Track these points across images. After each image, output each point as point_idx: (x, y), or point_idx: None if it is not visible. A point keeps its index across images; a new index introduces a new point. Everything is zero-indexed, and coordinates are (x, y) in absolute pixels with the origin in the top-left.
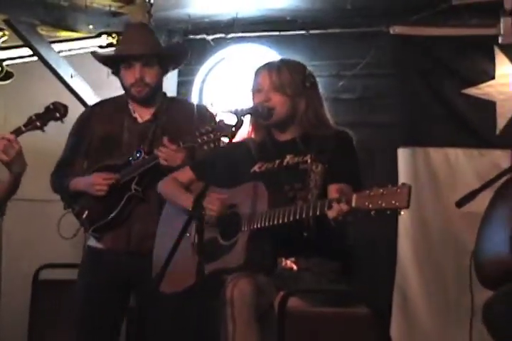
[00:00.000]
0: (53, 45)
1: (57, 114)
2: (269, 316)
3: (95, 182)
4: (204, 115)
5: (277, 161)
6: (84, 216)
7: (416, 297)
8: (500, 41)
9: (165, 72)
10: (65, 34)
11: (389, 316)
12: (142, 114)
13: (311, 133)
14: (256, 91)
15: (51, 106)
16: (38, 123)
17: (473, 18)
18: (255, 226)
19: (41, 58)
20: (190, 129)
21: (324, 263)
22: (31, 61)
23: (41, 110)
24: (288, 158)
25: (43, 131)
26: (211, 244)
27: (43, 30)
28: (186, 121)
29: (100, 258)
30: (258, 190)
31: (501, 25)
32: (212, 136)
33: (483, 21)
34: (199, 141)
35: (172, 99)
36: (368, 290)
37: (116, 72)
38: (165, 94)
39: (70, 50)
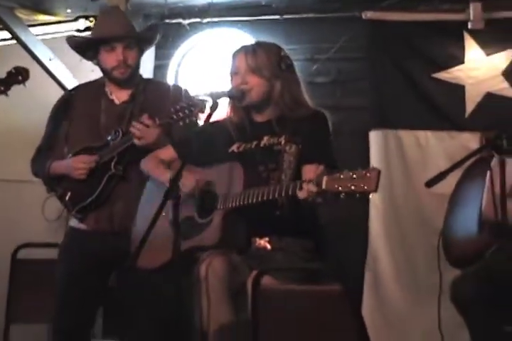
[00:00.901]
0: (31, 29)
1: (20, 77)
2: (242, 294)
3: (75, 166)
4: (179, 94)
5: (255, 142)
6: (67, 198)
7: (386, 275)
8: (469, 26)
9: (142, 53)
10: (42, 18)
11: (360, 294)
12: (119, 96)
13: (287, 114)
14: (233, 74)
15: (13, 71)
16: (2, 88)
17: (443, 3)
18: (230, 205)
19: (20, 41)
20: (167, 107)
21: (297, 243)
22: (10, 44)
23: (17, 90)
24: (265, 139)
25: (7, 95)
26: (188, 221)
27: (21, 14)
28: (163, 100)
29: (84, 239)
30: (234, 170)
31: (470, 10)
32: (187, 112)
33: (453, 7)
34: (174, 117)
35: (148, 80)
36: (340, 268)
37: (90, 57)
38: (141, 75)
39: (48, 34)
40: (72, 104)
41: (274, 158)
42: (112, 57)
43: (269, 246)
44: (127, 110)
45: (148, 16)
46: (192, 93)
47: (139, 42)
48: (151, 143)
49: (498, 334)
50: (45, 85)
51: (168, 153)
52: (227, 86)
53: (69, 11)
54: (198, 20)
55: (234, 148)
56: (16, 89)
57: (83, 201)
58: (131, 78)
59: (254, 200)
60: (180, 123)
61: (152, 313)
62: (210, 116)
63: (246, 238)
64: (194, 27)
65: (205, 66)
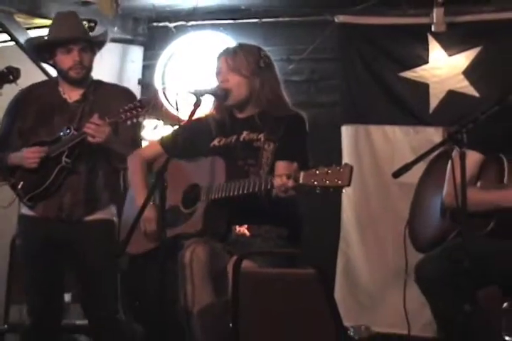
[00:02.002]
0: (29, 31)
1: (11, 77)
2: (223, 278)
3: (27, 156)
4: (129, 95)
5: (234, 136)
6: (19, 187)
7: (358, 260)
8: (433, 29)
9: (94, 55)
10: (39, 21)
11: (333, 276)
12: (71, 95)
13: (268, 111)
14: (217, 74)
15: (5, 70)
16: None
17: (409, 8)
18: (213, 197)
19: (18, 43)
20: (116, 107)
21: (273, 230)
22: (9, 46)
23: (13, 89)
24: (244, 134)
25: (0, 94)
26: (173, 211)
27: (19, 18)
28: (112, 100)
29: (33, 225)
30: (216, 163)
31: (434, 14)
32: (134, 112)
33: (418, 11)
34: (123, 116)
35: (99, 81)
36: (314, 253)
37: (45, 58)
38: (92, 77)
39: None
40: (27, 101)
41: (254, 154)
42: (68, 59)
43: (248, 233)
44: (79, 109)
45: (137, 19)
46: (175, 91)
47: (92, 46)
48: (103, 140)
49: (457, 312)
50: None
51: (153, 149)
52: (210, 84)
53: None
54: (183, 23)
55: (215, 142)
56: (11, 88)
57: (34, 190)
58: (84, 78)
59: (236, 193)
60: (128, 123)
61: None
62: (193, 112)
63: (226, 226)
64: (180, 29)
65: (190, 66)
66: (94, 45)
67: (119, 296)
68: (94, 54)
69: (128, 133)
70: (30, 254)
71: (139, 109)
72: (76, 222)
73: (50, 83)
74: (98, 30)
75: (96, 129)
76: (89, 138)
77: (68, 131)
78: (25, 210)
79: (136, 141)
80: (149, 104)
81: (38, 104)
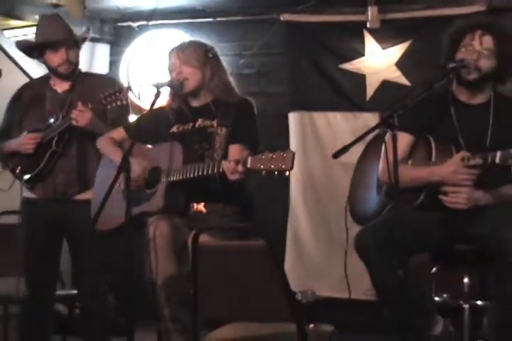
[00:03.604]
0: (5, 32)
1: None
2: (184, 250)
3: (23, 142)
4: (112, 83)
5: (191, 124)
6: (18, 170)
7: (304, 233)
8: (368, 26)
9: (79, 50)
10: (15, 23)
11: (283, 247)
12: (61, 86)
13: (220, 98)
14: (170, 68)
15: None
16: None
17: (346, 7)
18: (172, 179)
19: None
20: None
21: (227, 207)
22: None
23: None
24: (199, 121)
25: None
26: (137, 191)
27: None
28: (97, 89)
29: (34, 206)
30: (175, 148)
31: (369, 12)
32: (113, 97)
33: (354, 10)
34: (103, 102)
35: (86, 73)
36: (267, 227)
37: (36, 56)
38: (80, 69)
39: (19, 36)
40: (23, 97)
41: (208, 139)
42: (57, 57)
43: (204, 210)
44: (68, 97)
45: (104, 20)
46: (137, 83)
47: (77, 43)
48: (86, 124)
49: (391, 277)
50: (18, 79)
51: (119, 133)
52: (168, 78)
53: (36, 16)
54: (145, 23)
55: (174, 129)
56: None
57: (30, 173)
58: (72, 73)
59: (192, 175)
60: (109, 107)
61: (107, 268)
62: (154, 102)
63: (185, 204)
64: (142, 29)
65: (151, 61)
66: (79, 42)
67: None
68: (79, 49)
69: (113, 116)
70: (30, 232)
71: (118, 94)
72: (69, 200)
73: (43, 79)
74: (80, 29)
75: (79, 114)
76: (74, 123)
77: (57, 118)
78: (27, 193)
79: (116, 124)
80: (127, 89)
81: (32, 97)
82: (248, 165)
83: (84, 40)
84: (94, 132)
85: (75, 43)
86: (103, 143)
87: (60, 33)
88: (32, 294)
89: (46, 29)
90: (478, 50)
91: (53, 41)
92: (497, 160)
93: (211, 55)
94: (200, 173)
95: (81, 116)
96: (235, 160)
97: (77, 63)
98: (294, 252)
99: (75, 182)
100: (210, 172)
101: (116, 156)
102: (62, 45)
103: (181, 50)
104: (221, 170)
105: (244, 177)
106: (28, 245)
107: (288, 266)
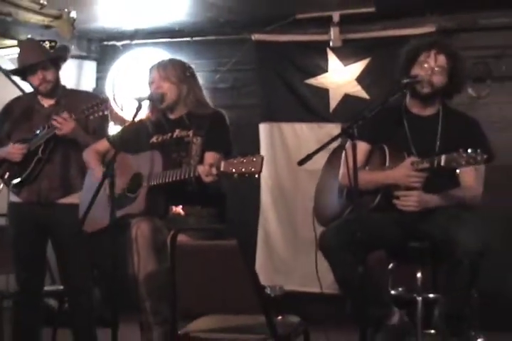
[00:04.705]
0: (0, 50)
1: None
2: (164, 249)
3: (11, 152)
4: (94, 97)
5: (169, 134)
6: (6, 176)
7: (274, 233)
8: (331, 45)
9: (59, 68)
10: (9, 42)
11: (255, 247)
12: (47, 102)
13: (194, 112)
14: (150, 83)
15: None
16: None
17: (311, 28)
18: (152, 183)
19: None
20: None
21: (204, 209)
22: None
23: None
24: (177, 131)
25: None
26: (120, 196)
27: None
28: (80, 103)
29: (20, 209)
30: (155, 156)
31: (331, 33)
32: (95, 108)
33: (318, 30)
34: (86, 112)
35: (70, 89)
36: (239, 228)
37: (23, 78)
38: (64, 86)
39: (13, 54)
40: (13, 110)
41: (185, 147)
42: (35, 78)
43: (183, 213)
44: (53, 111)
45: (91, 40)
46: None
47: (54, 61)
48: (69, 133)
49: (352, 273)
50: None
51: (103, 145)
52: (147, 92)
53: (29, 36)
54: (128, 42)
55: (154, 139)
56: None
57: (17, 178)
58: (53, 90)
59: (171, 179)
60: (91, 117)
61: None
62: (136, 114)
63: (165, 207)
64: (126, 47)
65: (134, 77)
66: (56, 61)
67: (88, 267)
68: (57, 68)
69: (94, 125)
70: (17, 234)
71: (99, 105)
72: (52, 204)
73: (31, 94)
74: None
75: (62, 122)
76: (57, 131)
77: (43, 128)
78: (13, 198)
79: (97, 132)
80: (108, 100)
81: (21, 110)
82: (221, 169)
83: (61, 58)
84: (76, 140)
85: (52, 63)
86: (88, 156)
87: (34, 56)
88: (21, 290)
89: (22, 54)
90: (433, 67)
91: (29, 65)
92: (442, 163)
93: (188, 74)
94: (178, 177)
95: (64, 124)
96: (209, 164)
97: (56, 81)
98: (265, 251)
99: (58, 187)
100: (187, 176)
101: (97, 171)
102: (38, 67)
103: (162, 66)
104: (197, 174)
105: (218, 179)
106: (16, 246)
107: (259, 263)
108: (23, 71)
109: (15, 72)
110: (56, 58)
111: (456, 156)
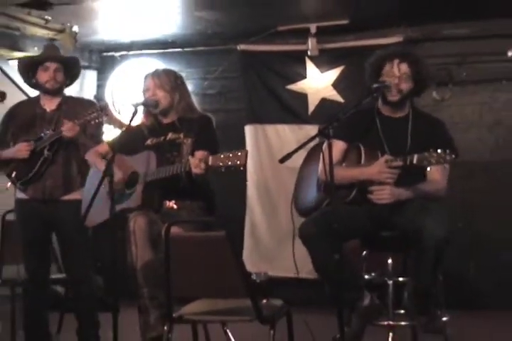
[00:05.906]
0: (10, 62)
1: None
2: (159, 240)
3: (18, 149)
4: (91, 104)
5: (162, 137)
6: (13, 175)
7: (259, 224)
8: (309, 53)
9: (67, 81)
10: (18, 54)
11: (242, 237)
12: (49, 105)
13: (184, 116)
14: (145, 90)
15: None
16: None
17: (291, 38)
18: (147, 180)
19: (2, 71)
20: (82, 113)
21: (194, 204)
22: None
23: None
24: (169, 134)
25: None
26: (119, 192)
27: (1, 52)
28: (79, 108)
29: (26, 206)
30: (150, 156)
31: (309, 43)
32: (96, 114)
33: (298, 40)
34: (87, 118)
35: (69, 96)
36: (228, 220)
37: (30, 77)
38: (65, 93)
39: None
40: (17, 114)
41: (177, 148)
42: (45, 74)
43: (175, 207)
44: (55, 116)
45: (92, 51)
46: (121, 104)
47: (66, 69)
48: (73, 137)
49: (329, 260)
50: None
51: (103, 148)
52: (142, 99)
53: (36, 48)
54: (125, 53)
55: (149, 141)
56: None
57: (24, 177)
58: (57, 90)
59: (165, 175)
60: (92, 123)
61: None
62: (132, 118)
63: (159, 201)
64: (123, 58)
65: (131, 84)
66: (68, 70)
67: (90, 258)
68: (67, 74)
69: (91, 131)
70: (24, 228)
71: (99, 112)
72: (56, 201)
73: (34, 100)
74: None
75: (70, 127)
76: (64, 134)
77: (47, 132)
78: (19, 195)
79: (95, 136)
80: (106, 108)
81: (25, 115)
82: (209, 163)
83: (74, 69)
84: (77, 142)
85: (63, 67)
86: (91, 156)
87: (51, 53)
88: (30, 278)
89: (45, 50)
90: (398, 75)
91: (44, 57)
92: (414, 162)
93: (180, 82)
94: (171, 173)
95: (72, 129)
96: (199, 159)
97: (61, 85)
98: (251, 240)
99: (61, 185)
100: (179, 171)
101: (100, 165)
102: (51, 65)
103: (156, 75)
104: (187, 168)
105: (206, 173)
106: (23, 239)
107: (246, 252)
108: (36, 65)
109: (30, 64)
110: (71, 67)
111: (427, 155)
